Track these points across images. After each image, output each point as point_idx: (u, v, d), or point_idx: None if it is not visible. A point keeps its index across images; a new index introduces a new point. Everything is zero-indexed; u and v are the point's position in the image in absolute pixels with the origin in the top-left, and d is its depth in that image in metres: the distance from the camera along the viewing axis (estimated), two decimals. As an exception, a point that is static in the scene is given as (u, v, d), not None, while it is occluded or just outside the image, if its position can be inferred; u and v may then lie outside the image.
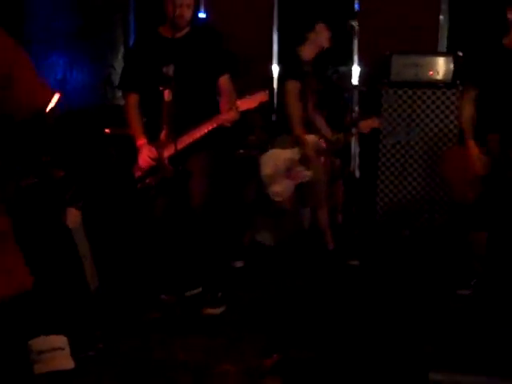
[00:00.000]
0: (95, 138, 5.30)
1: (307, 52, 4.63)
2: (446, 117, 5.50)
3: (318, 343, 3.40)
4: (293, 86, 4.47)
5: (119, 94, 6.32)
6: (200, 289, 3.91)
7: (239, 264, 4.68)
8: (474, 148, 3.85)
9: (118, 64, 6.35)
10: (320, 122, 4.80)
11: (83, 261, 3.66)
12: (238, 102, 3.61)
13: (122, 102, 6.19)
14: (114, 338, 3.42)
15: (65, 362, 2.97)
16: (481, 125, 3.87)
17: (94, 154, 5.21)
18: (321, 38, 4.60)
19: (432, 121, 5.53)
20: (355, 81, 5.88)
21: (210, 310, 3.80)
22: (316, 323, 3.68)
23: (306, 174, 4.48)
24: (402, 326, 3.65)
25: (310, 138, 4.56)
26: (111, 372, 3.09)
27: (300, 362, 3.18)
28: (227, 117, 3.61)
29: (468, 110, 3.94)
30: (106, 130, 5.37)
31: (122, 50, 6.42)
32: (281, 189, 4.46)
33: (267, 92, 3.69)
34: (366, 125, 4.77)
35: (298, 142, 4.48)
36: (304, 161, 4.47)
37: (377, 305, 4.02)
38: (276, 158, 4.48)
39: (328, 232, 4.77)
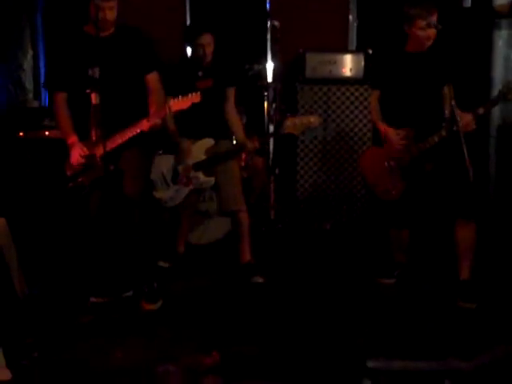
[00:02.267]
0: (8, 142, 5.15)
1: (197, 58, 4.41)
2: (361, 112, 5.67)
3: (256, 339, 3.45)
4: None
5: (30, 96, 6.17)
6: (131, 292, 3.88)
7: (166, 265, 4.61)
8: (386, 127, 3.99)
9: (28, 65, 6.18)
10: (234, 125, 4.52)
11: (10, 267, 3.55)
12: (171, 102, 3.61)
13: (34, 105, 6.12)
14: (47, 344, 3.32)
15: (1, 373, 2.88)
16: (392, 123, 4.01)
17: (9, 159, 5.07)
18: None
19: (347, 116, 5.69)
20: (270, 78, 5.97)
21: (149, 306, 3.78)
22: (250, 320, 3.73)
23: (205, 180, 4.40)
24: (332, 319, 3.75)
25: (204, 141, 4.40)
26: (48, 381, 3.02)
27: (240, 358, 3.22)
28: (158, 116, 3.60)
29: (373, 104, 4.16)
30: (20, 134, 5.22)
31: (30, 51, 6.24)
32: (168, 195, 4.43)
33: (199, 93, 3.69)
34: (300, 123, 4.31)
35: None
36: (199, 166, 4.36)
37: (303, 297, 4.10)
38: (161, 164, 4.43)
39: (246, 244, 4.44)
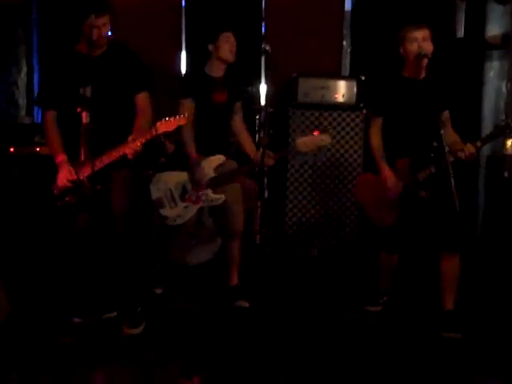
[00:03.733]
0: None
1: (214, 68, 4.46)
2: (351, 138, 5.70)
3: (239, 364, 3.45)
4: (185, 106, 4.27)
5: (22, 112, 6.18)
6: (115, 313, 3.86)
7: (158, 291, 4.57)
8: (388, 172, 3.96)
9: (21, 81, 6.19)
10: (245, 138, 4.59)
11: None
12: (158, 124, 3.60)
13: (25, 121, 6.12)
14: (27, 366, 3.30)
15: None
16: (389, 150, 4.03)
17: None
18: (222, 50, 4.37)
19: (338, 142, 5.69)
20: (263, 101, 5.99)
21: (130, 330, 3.73)
22: (233, 345, 3.72)
23: (214, 197, 4.33)
24: (317, 346, 3.74)
25: (215, 157, 4.38)
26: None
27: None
28: (143, 138, 3.59)
29: (376, 138, 4.07)
30: (11, 150, 5.22)
31: (24, 67, 6.26)
32: (175, 213, 4.36)
33: (186, 116, 3.70)
34: (311, 141, 4.35)
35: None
36: (210, 183, 4.32)
37: (288, 323, 4.09)
38: (167, 181, 4.39)
39: (235, 267, 4.45)
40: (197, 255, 4.94)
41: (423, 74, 3.97)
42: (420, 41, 3.86)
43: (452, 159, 3.71)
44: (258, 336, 3.83)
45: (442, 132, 3.71)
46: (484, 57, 6.01)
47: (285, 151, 4.63)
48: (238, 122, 4.59)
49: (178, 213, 4.35)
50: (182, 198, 4.35)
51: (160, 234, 4.67)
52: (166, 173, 4.44)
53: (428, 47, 3.88)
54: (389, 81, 4.09)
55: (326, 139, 4.37)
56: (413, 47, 3.87)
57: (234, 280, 4.45)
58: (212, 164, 4.37)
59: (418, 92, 3.95)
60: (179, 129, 3.82)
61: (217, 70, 4.47)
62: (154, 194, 4.33)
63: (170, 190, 4.35)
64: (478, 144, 3.78)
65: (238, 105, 4.59)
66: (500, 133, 3.80)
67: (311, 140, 4.34)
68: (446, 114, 4.02)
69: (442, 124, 3.83)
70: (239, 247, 4.44)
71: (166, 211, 4.34)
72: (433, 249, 4.01)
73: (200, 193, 4.32)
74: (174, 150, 4.68)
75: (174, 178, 4.39)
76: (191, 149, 4.32)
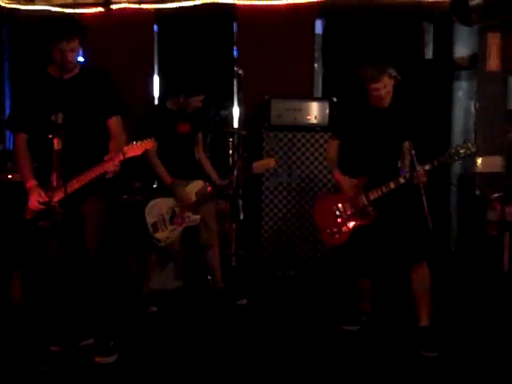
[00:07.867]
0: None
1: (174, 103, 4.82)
2: (325, 159, 5.73)
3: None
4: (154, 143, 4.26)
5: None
6: (92, 339, 3.82)
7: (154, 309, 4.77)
8: (340, 174, 4.15)
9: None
10: (207, 165, 5.04)
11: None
12: (125, 149, 3.59)
13: (-2, 147, 6.08)
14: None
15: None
16: (350, 172, 4.13)
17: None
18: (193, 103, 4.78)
19: (312, 163, 5.76)
20: (236, 124, 6.03)
21: (101, 359, 3.70)
22: (211, 367, 3.70)
23: (194, 219, 4.75)
24: (296, 366, 3.74)
25: (195, 183, 4.79)
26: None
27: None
28: (111, 163, 3.59)
29: (331, 152, 4.31)
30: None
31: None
32: (165, 235, 4.65)
33: (153, 140, 3.73)
34: (261, 165, 5.00)
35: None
36: (191, 206, 4.72)
37: (266, 342, 4.08)
38: (161, 207, 4.68)
39: (218, 273, 4.96)
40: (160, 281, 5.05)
41: (387, 103, 4.06)
42: (381, 88, 3.96)
43: (403, 181, 3.87)
44: (238, 355, 3.84)
45: (413, 152, 3.77)
46: (452, 77, 6.13)
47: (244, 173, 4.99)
48: (200, 152, 5.02)
49: (167, 235, 4.67)
50: (171, 221, 4.68)
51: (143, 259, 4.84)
52: (159, 199, 4.72)
53: (389, 88, 3.98)
54: (354, 106, 4.21)
55: (270, 162, 5.06)
56: (378, 94, 3.99)
57: (220, 284, 4.96)
58: (194, 189, 4.79)
59: (382, 119, 4.04)
60: (148, 159, 4.48)
61: (177, 105, 4.81)
62: (150, 220, 4.63)
63: (163, 214, 4.68)
64: (427, 167, 3.83)
65: (199, 135, 4.99)
66: (449, 159, 3.87)
67: (261, 163, 5.01)
68: (407, 144, 4.01)
69: (406, 151, 3.98)
70: (217, 255, 4.94)
71: (159, 234, 4.63)
72: (402, 265, 4.06)
73: (184, 215, 4.69)
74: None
75: (167, 204, 4.70)
76: (165, 173, 4.68)
